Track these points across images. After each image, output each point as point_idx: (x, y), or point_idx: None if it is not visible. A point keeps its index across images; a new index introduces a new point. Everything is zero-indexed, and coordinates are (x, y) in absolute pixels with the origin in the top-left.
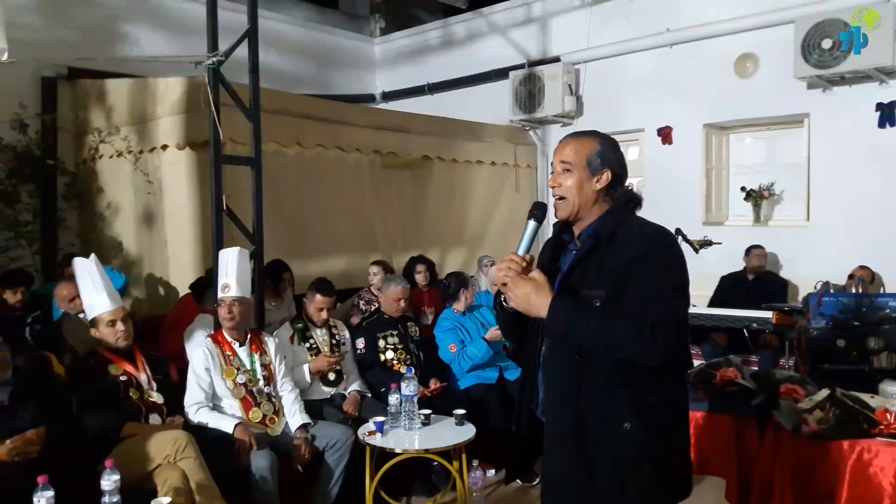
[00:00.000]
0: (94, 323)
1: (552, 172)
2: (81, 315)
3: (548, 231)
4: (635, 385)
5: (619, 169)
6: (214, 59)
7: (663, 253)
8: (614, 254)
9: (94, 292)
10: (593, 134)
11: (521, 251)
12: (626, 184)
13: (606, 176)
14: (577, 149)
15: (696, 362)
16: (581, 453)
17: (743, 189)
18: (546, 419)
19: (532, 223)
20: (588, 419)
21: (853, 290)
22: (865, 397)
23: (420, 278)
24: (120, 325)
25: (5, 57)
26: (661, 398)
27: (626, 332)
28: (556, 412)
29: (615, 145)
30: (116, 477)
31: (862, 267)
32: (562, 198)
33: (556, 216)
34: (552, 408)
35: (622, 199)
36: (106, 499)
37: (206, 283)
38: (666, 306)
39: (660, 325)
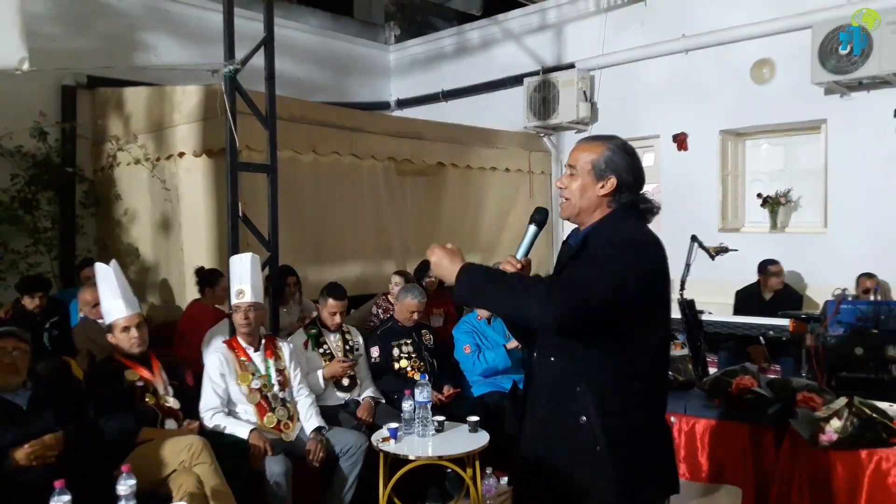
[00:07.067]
0: (110, 328)
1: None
2: (101, 320)
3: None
4: (591, 380)
5: (627, 176)
6: (231, 67)
7: (624, 246)
8: (587, 254)
9: (111, 298)
10: (607, 139)
11: (519, 255)
12: (646, 193)
13: (612, 182)
14: (585, 153)
15: (712, 370)
16: (547, 447)
17: (759, 196)
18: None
19: (532, 227)
20: (551, 414)
21: (871, 299)
22: (884, 406)
23: (429, 283)
24: (134, 332)
25: (26, 66)
26: (622, 397)
27: (523, 287)
28: (533, 409)
29: (628, 152)
30: (132, 482)
31: (865, 275)
32: (565, 199)
33: (560, 215)
34: (533, 405)
35: (625, 205)
36: (122, 503)
37: (207, 275)
38: (589, 280)
39: (567, 289)
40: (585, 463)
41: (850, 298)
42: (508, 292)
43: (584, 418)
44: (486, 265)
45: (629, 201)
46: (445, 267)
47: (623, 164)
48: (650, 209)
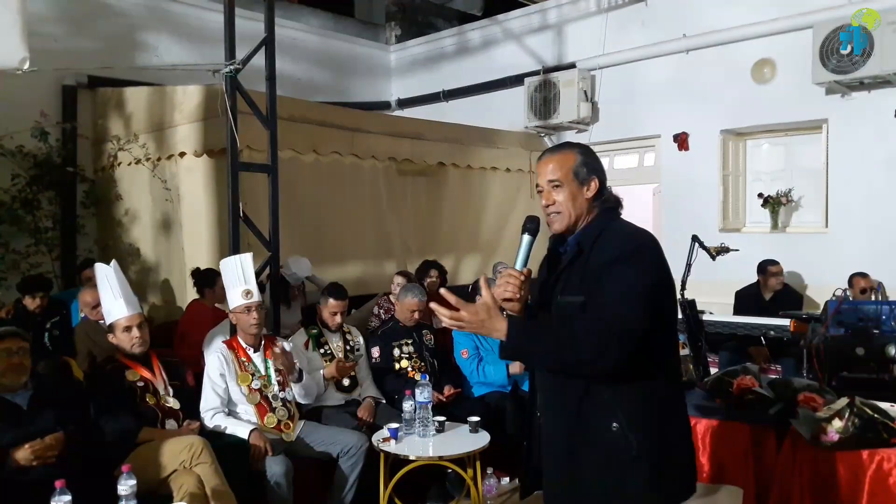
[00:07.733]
0: (111, 328)
1: (539, 192)
2: (102, 322)
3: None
4: (617, 387)
5: (602, 175)
6: (232, 67)
7: (633, 256)
8: (592, 259)
9: (111, 298)
10: (570, 145)
11: (518, 265)
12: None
13: (595, 183)
14: (561, 164)
15: (713, 370)
16: (571, 454)
17: (760, 196)
18: (542, 423)
19: (527, 237)
20: (576, 421)
21: (870, 298)
22: (885, 406)
23: (430, 283)
24: (135, 332)
25: (27, 66)
26: (649, 400)
27: (570, 345)
28: (548, 415)
29: (593, 152)
30: (133, 482)
31: (859, 275)
32: (556, 213)
33: (551, 230)
34: (545, 411)
35: (607, 205)
36: (122, 503)
37: (204, 275)
38: (625, 312)
39: (614, 333)
40: (616, 469)
41: (850, 299)
42: (557, 352)
43: (616, 425)
44: (526, 321)
45: (608, 200)
46: (495, 329)
47: (596, 163)
48: (620, 203)
